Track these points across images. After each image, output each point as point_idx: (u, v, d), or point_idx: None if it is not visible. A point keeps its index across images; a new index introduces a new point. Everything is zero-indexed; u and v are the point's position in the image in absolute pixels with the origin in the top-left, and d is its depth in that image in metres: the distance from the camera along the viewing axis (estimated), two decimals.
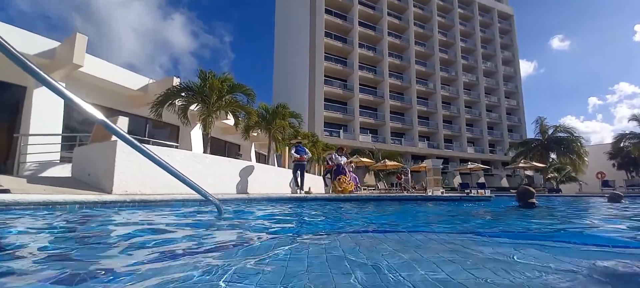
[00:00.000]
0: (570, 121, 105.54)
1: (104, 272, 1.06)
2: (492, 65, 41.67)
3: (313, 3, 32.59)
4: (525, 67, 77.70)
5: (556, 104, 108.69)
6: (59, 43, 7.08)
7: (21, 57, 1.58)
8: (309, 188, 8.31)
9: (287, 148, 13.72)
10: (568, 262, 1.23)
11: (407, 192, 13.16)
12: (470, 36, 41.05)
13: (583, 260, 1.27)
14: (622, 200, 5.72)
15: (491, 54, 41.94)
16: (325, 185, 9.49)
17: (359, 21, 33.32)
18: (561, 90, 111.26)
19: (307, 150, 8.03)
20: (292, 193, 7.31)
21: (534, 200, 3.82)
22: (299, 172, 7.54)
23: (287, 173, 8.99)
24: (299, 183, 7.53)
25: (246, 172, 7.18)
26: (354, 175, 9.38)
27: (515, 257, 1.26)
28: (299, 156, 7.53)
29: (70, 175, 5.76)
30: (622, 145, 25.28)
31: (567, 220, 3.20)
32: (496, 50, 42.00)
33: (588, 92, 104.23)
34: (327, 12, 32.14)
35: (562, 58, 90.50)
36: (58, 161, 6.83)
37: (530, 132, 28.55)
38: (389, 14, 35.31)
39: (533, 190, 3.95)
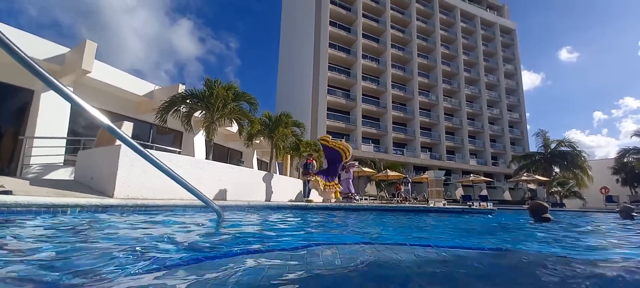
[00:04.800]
0: (575, 135, 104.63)
1: (100, 279, 1.07)
2: (494, 79, 41.87)
3: (318, 15, 33.21)
4: (532, 79, 77.52)
5: (562, 116, 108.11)
6: (69, 49, 7.24)
7: (32, 62, 1.62)
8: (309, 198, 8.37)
9: (289, 156, 13.74)
10: None
11: (407, 203, 13.04)
12: (472, 50, 41.44)
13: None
14: (634, 214, 5.05)
15: (493, 67, 42.21)
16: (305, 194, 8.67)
17: (362, 33, 33.81)
18: (567, 103, 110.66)
19: (314, 165, 8.77)
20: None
21: (548, 216, 3.55)
22: (307, 184, 8.53)
23: (288, 182, 8.99)
24: (305, 194, 8.43)
25: (250, 180, 7.18)
26: (349, 178, 9.38)
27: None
28: (308, 172, 8.52)
29: (73, 179, 5.80)
30: (625, 160, 25.06)
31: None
32: (498, 63, 42.28)
33: (593, 105, 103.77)
34: (332, 24, 32.70)
35: (569, 70, 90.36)
36: (61, 164, 6.88)
37: (533, 145, 28.40)
38: (392, 27, 35.83)
39: (546, 205, 3.65)
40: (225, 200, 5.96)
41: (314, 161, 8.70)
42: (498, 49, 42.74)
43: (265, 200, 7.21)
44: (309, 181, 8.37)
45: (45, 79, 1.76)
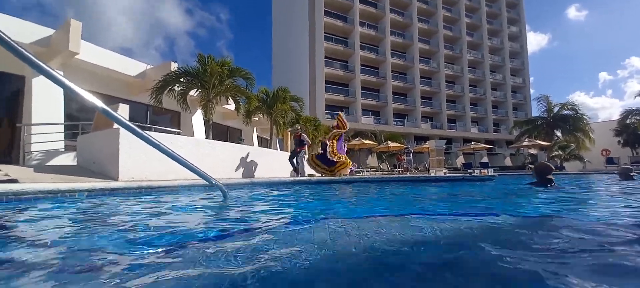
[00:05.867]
0: (579, 97, 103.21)
1: (113, 260, 1.08)
2: (498, 42, 40.41)
3: None
4: (539, 40, 74.77)
5: (567, 78, 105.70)
6: (54, 30, 6.94)
7: (18, 47, 1.54)
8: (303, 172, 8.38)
9: (289, 132, 13.70)
10: None
11: (408, 173, 13.22)
12: (475, 11, 39.55)
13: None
14: (633, 175, 5.15)
15: (497, 29, 40.55)
16: (295, 169, 8.23)
17: None
18: (573, 64, 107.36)
19: (306, 137, 8.44)
20: (299, 176, 7.64)
21: (551, 177, 3.72)
22: (296, 158, 8.12)
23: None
24: (297, 167, 8.05)
25: (251, 157, 7.22)
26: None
27: None
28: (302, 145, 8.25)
29: (75, 164, 5.84)
30: (628, 121, 24.89)
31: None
32: (503, 25, 40.57)
33: (599, 66, 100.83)
34: None
35: (577, 29, 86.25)
36: (63, 150, 6.90)
37: (535, 111, 28.10)
38: None
39: (552, 167, 3.83)
40: (228, 178, 6.03)
41: (304, 134, 8.55)
42: (503, 9, 40.78)
43: (267, 177, 7.30)
44: (301, 153, 8.15)
45: (35, 64, 1.68)
